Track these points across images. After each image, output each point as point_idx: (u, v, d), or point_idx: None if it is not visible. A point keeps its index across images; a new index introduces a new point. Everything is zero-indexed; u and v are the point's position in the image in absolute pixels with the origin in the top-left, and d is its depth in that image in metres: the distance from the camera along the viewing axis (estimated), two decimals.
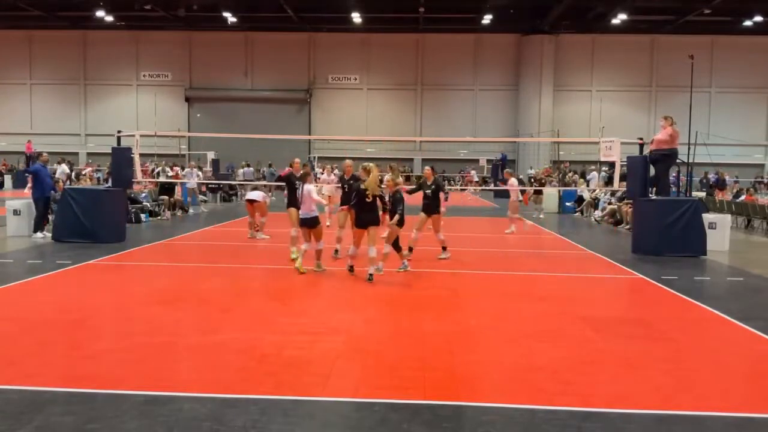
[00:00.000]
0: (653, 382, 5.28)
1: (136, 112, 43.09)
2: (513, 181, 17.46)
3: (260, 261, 11.46)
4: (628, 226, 16.50)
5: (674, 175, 18.98)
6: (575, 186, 25.40)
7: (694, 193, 21.56)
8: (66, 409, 4.52)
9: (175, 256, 11.40)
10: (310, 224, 9.89)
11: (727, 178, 31.46)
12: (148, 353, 5.85)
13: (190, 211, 20.50)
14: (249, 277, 9.91)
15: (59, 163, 29.89)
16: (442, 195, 11.61)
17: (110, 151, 14.16)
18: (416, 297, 8.48)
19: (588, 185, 24.87)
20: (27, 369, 5.35)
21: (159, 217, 18.45)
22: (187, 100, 43.83)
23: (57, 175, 20.80)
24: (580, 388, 5.10)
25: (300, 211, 10.12)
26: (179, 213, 19.73)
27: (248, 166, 32.20)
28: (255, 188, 15.72)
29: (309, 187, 10.03)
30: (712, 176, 31.85)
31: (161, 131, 31.27)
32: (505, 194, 31.43)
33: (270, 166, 34.21)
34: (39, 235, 13.44)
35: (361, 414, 4.58)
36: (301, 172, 10.77)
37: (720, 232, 13.33)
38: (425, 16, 37.87)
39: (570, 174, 31.80)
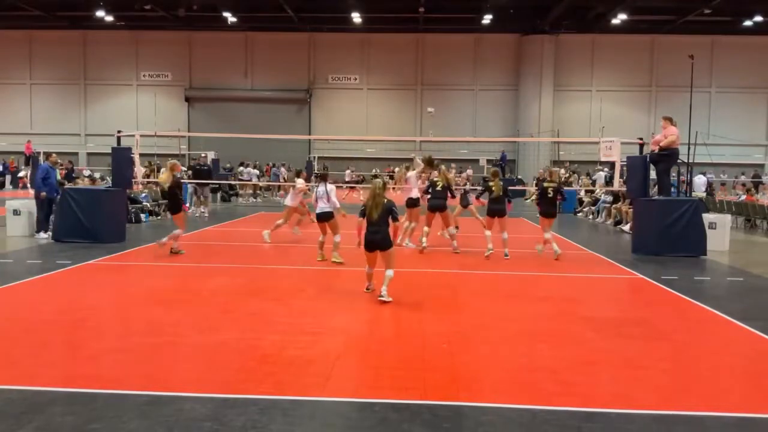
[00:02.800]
0: (653, 382, 5.28)
1: (136, 112, 43.07)
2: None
3: (260, 261, 11.46)
4: (628, 226, 16.51)
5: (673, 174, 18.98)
6: (578, 186, 25.41)
7: (695, 194, 21.57)
8: (66, 409, 4.52)
9: (175, 257, 11.40)
10: (327, 218, 10.95)
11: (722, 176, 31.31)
12: (148, 353, 5.85)
13: (190, 211, 20.50)
14: (249, 277, 9.91)
15: (54, 164, 29.76)
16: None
17: (110, 151, 14.16)
18: (416, 297, 8.48)
19: (594, 185, 24.91)
20: (27, 369, 5.35)
21: (159, 217, 18.46)
22: (187, 100, 43.82)
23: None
24: (580, 388, 5.10)
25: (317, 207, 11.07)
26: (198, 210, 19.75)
27: (246, 165, 32.21)
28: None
29: (331, 187, 11.12)
30: (709, 177, 31.58)
31: (161, 131, 31.25)
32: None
33: (274, 165, 34.19)
34: (43, 234, 13.46)
35: (361, 414, 4.58)
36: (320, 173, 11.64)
37: (720, 232, 13.33)
38: (425, 16, 37.88)
39: (567, 175, 31.82)
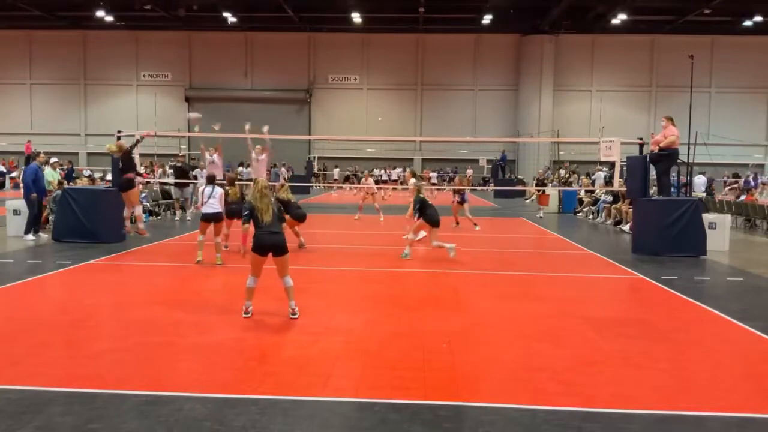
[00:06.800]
0: (653, 382, 5.28)
1: (136, 112, 43.11)
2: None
3: None
4: (627, 226, 16.51)
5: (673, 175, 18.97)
6: (578, 186, 25.39)
7: (695, 194, 21.57)
8: (66, 409, 4.52)
9: (175, 256, 11.40)
10: (215, 219, 10.87)
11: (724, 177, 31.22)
12: (148, 353, 5.85)
13: (190, 210, 20.44)
14: None
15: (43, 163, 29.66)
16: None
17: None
18: (416, 297, 8.48)
19: (593, 185, 24.92)
20: (27, 369, 5.34)
21: (159, 217, 18.46)
22: (187, 100, 43.84)
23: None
24: (581, 389, 5.10)
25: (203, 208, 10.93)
26: (178, 214, 19.71)
27: (247, 166, 32.16)
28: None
29: (220, 190, 10.97)
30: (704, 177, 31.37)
31: (161, 131, 31.27)
32: (506, 194, 31.55)
33: (274, 165, 34.12)
34: (30, 236, 13.05)
35: (361, 414, 4.58)
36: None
37: (720, 232, 13.33)
38: (425, 16, 37.91)
39: (567, 175, 31.79)
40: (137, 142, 13.56)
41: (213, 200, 10.85)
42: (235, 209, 11.65)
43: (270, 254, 7.03)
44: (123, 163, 12.43)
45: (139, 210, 12.31)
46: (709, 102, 40.46)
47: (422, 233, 12.42)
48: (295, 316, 7.02)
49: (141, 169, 14.40)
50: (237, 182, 12.46)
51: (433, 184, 34.02)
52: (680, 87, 36.12)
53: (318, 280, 9.56)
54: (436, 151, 42.85)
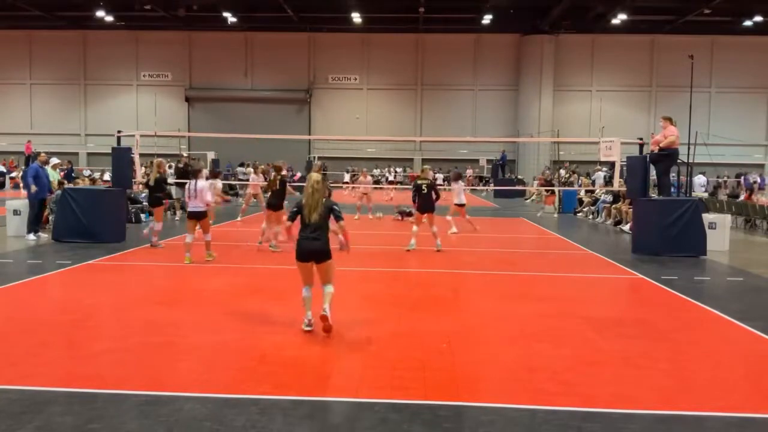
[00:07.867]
0: (653, 382, 5.28)
1: (136, 112, 43.09)
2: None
3: (260, 261, 11.46)
4: (627, 226, 16.51)
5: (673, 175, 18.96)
6: (578, 186, 25.37)
7: (695, 194, 21.56)
8: (66, 409, 4.52)
9: (175, 256, 11.39)
10: (198, 217, 11.05)
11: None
12: (148, 353, 5.85)
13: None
14: (249, 277, 9.91)
15: (44, 162, 29.61)
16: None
17: (110, 151, 14.16)
18: (416, 297, 8.48)
19: (593, 185, 24.93)
20: (27, 369, 5.35)
21: None
22: (187, 100, 43.83)
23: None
24: (581, 389, 5.10)
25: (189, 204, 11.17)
26: (179, 214, 19.71)
27: (246, 165, 32.17)
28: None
29: (203, 184, 11.11)
30: (702, 178, 31.38)
31: (161, 131, 31.26)
32: (506, 194, 31.55)
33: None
34: (31, 236, 13.12)
35: (361, 414, 4.58)
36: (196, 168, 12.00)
37: (720, 232, 13.33)
38: (425, 16, 37.89)
39: (567, 175, 31.77)
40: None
41: (196, 199, 10.99)
42: (270, 202, 12.18)
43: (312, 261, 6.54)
44: (163, 183, 13.15)
45: (159, 226, 12.60)
46: (709, 102, 40.44)
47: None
48: (326, 312, 6.34)
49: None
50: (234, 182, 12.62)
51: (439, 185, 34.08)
52: (680, 87, 36.11)
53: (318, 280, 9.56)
54: (436, 151, 42.81)
